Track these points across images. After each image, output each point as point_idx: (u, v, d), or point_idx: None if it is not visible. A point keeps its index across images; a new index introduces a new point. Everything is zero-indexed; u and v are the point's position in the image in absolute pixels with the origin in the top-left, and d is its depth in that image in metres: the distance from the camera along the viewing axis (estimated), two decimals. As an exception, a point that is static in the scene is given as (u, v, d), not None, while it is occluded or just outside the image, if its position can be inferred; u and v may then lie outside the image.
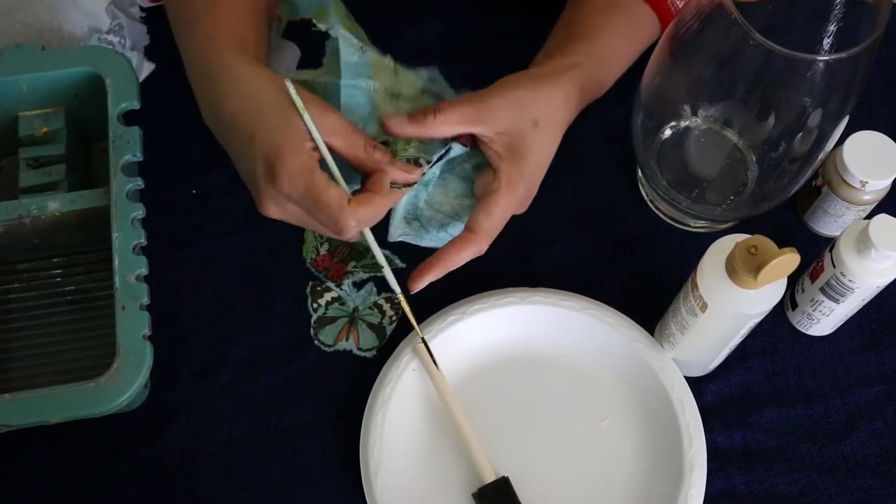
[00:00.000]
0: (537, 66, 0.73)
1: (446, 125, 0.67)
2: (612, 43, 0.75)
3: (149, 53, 0.82)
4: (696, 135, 0.76)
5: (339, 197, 0.62)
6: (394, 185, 0.66)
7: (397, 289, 0.69)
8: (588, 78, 0.72)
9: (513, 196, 0.68)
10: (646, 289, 0.76)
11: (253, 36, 0.70)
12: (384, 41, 0.85)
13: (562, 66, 0.72)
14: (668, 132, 0.76)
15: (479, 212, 0.68)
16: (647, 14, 0.76)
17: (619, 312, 0.73)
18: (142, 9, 0.84)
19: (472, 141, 0.69)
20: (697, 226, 0.79)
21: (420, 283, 0.68)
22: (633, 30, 0.76)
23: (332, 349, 0.75)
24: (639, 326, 0.73)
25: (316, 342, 0.75)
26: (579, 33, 0.74)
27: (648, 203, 0.80)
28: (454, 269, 0.69)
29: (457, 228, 0.71)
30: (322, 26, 0.68)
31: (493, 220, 0.68)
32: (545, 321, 0.73)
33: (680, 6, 0.75)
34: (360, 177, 0.67)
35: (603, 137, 0.81)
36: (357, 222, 0.63)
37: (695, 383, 0.73)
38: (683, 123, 0.76)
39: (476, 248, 0.68)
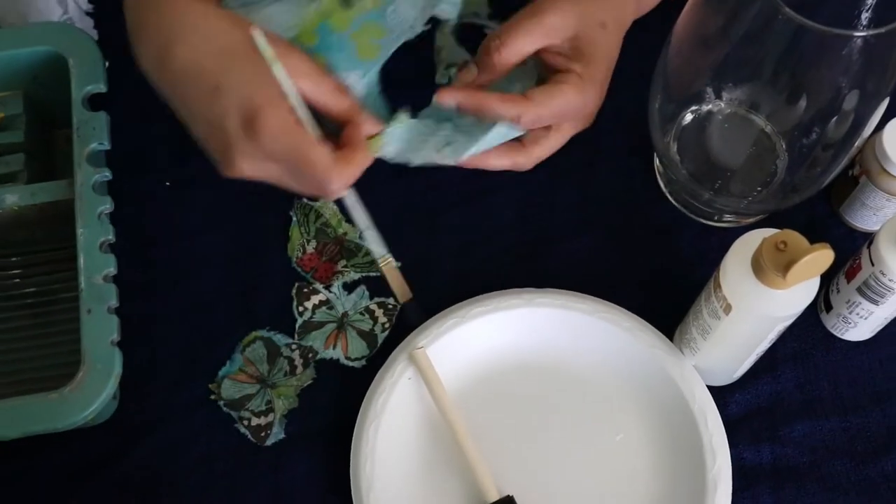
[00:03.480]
0: None
1: (515, 52, 0.65)
2: None
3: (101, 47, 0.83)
4: (720, 120, 0.76)
5: (325, 157, 0.61)
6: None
7: (384, 250, 0.68)
8: None
9: (580, 95, 0.65)
10: (664, 290, 0.75)
11: None
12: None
13: None
14: (688, 117, 0.76)
15: (537, 92, 0.64)
16: None
17: (634, 316, 0.72)
18: (90, 1, 0.85)
19: None
20: (721, 220, 0.78)
21: (449, 98, 0.64)
22: None
23: (317, 357, 0.73)
24: (656, 331, 0.72)
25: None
26: None
27: (667, 195, 0.79)
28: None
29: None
30: None
31: (551, 108, 0.64)
32: (553, 325, 0.72)
33: None
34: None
35: (617, 124, 0.78)
36: (342, 184, 0.62)
37: (718, 393, 0.71)
38: (706, 107, 0.75)
39: (517, 112, 0.64)
